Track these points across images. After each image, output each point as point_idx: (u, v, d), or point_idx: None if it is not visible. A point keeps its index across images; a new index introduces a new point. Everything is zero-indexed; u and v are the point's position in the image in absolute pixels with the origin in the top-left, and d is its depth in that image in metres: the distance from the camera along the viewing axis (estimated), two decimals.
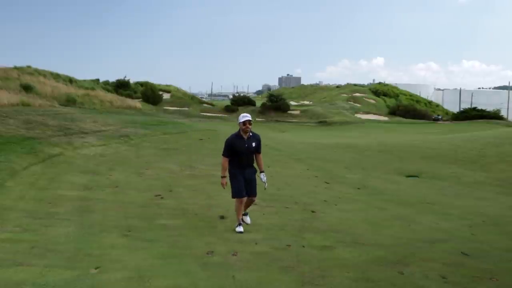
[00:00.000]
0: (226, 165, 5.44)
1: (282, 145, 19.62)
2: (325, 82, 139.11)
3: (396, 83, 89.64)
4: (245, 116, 5.35)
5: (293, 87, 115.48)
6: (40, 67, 37.26)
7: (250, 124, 5.31)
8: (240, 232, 5.30)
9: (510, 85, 73.40)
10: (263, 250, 4.61)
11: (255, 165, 5.61)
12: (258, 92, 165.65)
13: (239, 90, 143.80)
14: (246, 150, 5.37)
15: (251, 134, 5.40)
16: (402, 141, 22.07)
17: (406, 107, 56.99)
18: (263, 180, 5.42)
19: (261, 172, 5.51)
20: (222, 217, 6.19)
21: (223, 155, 5.43)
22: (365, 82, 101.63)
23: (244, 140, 5.36)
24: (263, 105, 48.98)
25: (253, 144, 5.40)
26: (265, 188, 5.57)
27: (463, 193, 10.64)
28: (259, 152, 5.55)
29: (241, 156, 5.37)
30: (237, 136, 5.40)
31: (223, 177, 5.45)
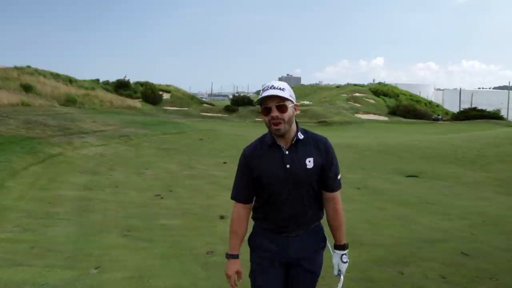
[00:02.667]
0: (237, 224, 2.16)
1: None
2: (325, 82, 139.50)
3: (396, 83, 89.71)
4: (266, 90, 2.00)
5: (292, 87, 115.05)
6: (40, 67, 37.39)
7: (282, 109, 1.97)
8: None
9: (510, 85, 73.46)
10: None
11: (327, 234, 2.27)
12: (258, 92, 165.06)
13: (239, 90, 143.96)
14: (288, 178, 1.95)
15: (301, 136, 2.00)
16: (402, 141, 22.06)
17: (406, 107, 57.02)
18: (337, 270, 2.29)
19: (336, 246, 2.26)
20: (222, 217, 6.18)
21: (232, 197, 2.11)
22: (365, 82, 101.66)
23: (282, 150, 1.97)
24: None
25: (308, 163, 1.95)
26: None
27: (463, 193, 10.63)
28: (333, 189, 2.10)
29: (273, 196, 2.00)
30: (262, 143, 2.03)
31: (229, 255, 2.22)
